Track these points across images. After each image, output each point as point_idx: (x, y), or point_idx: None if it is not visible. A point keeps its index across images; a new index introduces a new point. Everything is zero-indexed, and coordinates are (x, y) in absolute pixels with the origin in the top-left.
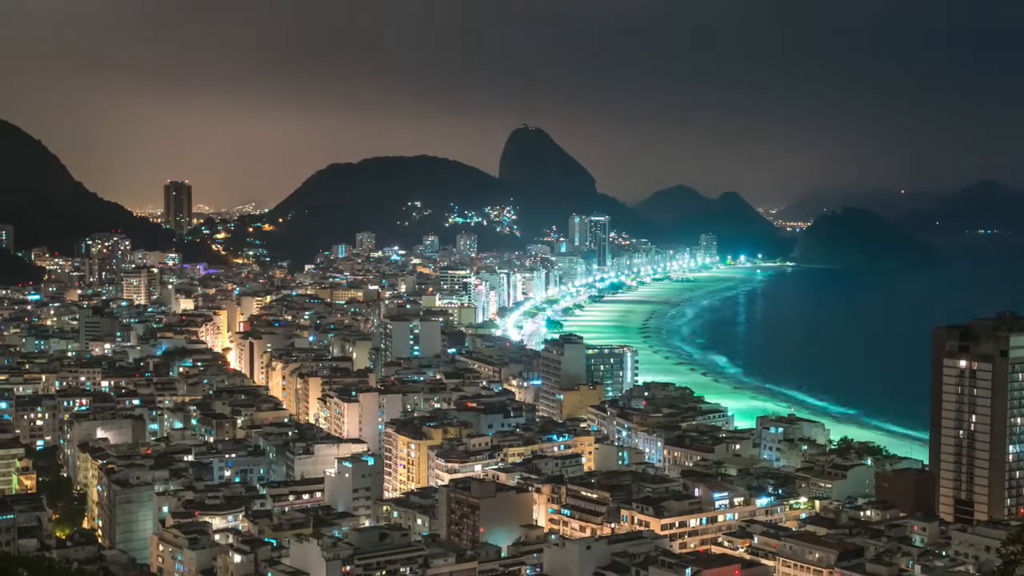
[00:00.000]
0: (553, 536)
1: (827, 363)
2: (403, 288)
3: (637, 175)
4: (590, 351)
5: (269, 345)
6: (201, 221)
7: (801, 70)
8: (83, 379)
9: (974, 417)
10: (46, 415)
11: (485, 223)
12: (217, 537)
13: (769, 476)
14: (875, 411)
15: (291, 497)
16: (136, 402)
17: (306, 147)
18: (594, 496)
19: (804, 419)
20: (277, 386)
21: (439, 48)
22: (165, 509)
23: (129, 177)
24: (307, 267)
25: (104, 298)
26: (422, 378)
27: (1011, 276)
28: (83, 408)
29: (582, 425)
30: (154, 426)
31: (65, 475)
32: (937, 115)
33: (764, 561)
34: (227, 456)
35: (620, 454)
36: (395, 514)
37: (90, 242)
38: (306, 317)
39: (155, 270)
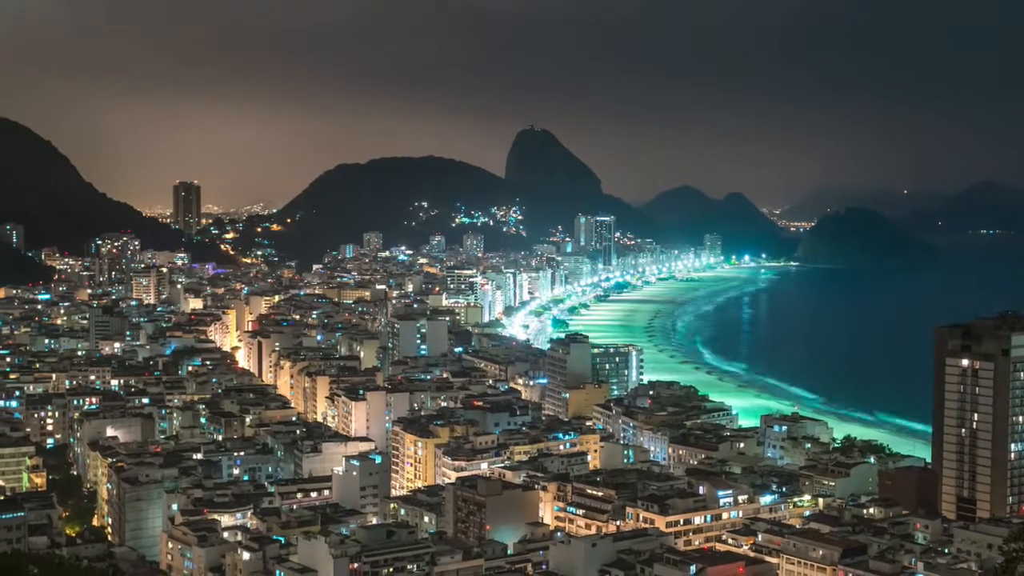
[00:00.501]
0: (559, 533)
1: (830, 362)
2: (410, 288)
3: (642, 176)
4: (596, 350)
5: (277, 344)
6: (210, 221)
7: (802, 71)
8: (93, 378)
9: (976, 416)
10: (56, 413)
11: (491, 223)
12: (226, 535)
13: (773, 474)
14: (878, 409)
15: (299, 495)
16: (145, 401)
17: (314, 148)
18: (599, 494)
19: (807, 417)
20: (285, 385)
21: (445, 49)
22: (174, 507)
23: (138, 178)
24: (315, 267)
25: (114, 297)
26: (429, 377)
27: (1013, 276)
28: (93, 407)
29: (588, 423)
30: (163, 424)
31: (75, 473)
32: (939, 115)
33: (768, 558)
34: (236, 454)
35: (625, 452)
36: (402, 512)
37: (100, 242)
38: (314, 316)
39: (164, 270)
